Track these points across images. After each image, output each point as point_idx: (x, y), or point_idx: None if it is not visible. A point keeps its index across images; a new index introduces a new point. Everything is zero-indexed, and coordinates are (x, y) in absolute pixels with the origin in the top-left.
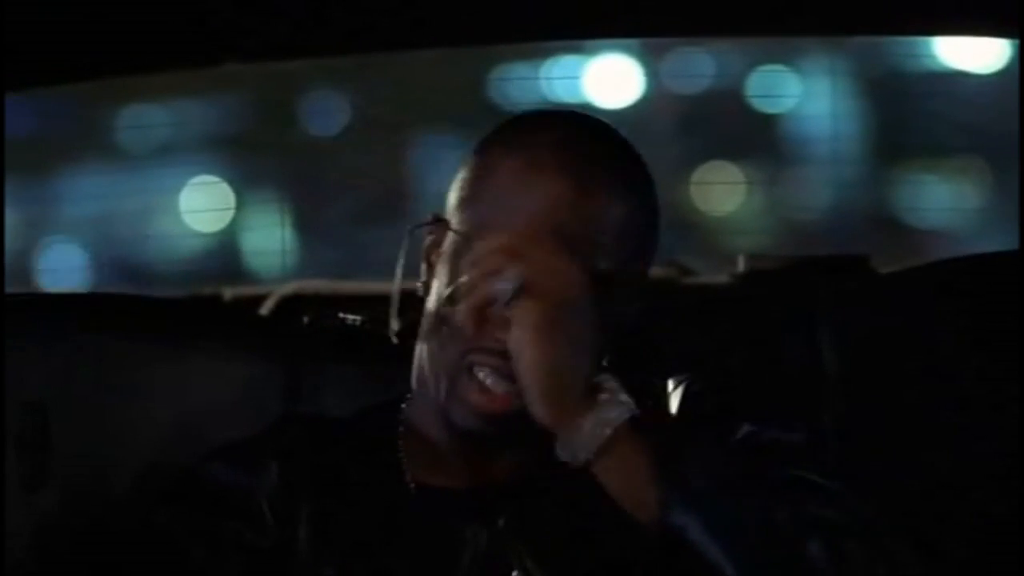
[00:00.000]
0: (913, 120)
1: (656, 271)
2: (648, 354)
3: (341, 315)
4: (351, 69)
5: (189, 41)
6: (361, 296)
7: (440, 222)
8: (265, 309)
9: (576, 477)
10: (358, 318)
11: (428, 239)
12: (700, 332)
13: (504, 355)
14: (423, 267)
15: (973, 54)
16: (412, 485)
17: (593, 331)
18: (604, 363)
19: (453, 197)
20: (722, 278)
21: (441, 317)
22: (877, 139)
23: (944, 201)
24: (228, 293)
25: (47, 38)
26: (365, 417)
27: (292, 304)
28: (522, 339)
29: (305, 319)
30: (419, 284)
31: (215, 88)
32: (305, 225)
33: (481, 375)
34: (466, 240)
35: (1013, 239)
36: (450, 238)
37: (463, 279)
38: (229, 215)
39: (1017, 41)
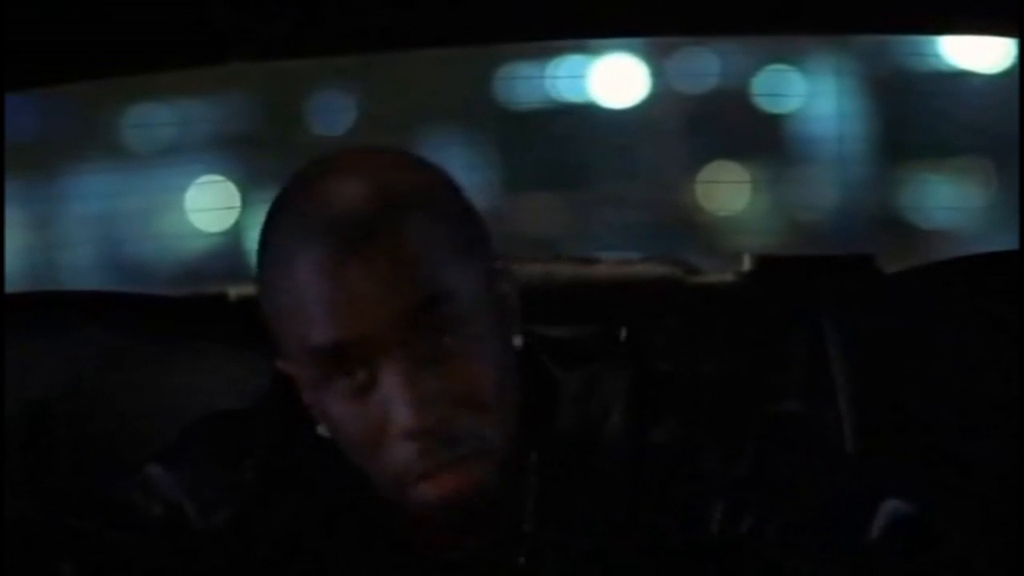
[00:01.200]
0: (918, 120)
1: (661, 270)
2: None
3: None
4: (357, 68)
5: (195, 40)
6: None
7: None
8: None
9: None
10: None
11: (296, 379)
12: (705, 331)
13: (430, 450)
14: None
15: (978, 54)
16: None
17: (481, 350)
18: (518, 344)
19: (269, 318)
20: (727, 277)
21: (353, 451)
22: (882, 139)
23: (949, 201)
24: (233, 292)
25: (52, 37)
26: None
27: None
28: (405, 404)
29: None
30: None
31: (221, 88)
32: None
33: (430, 475)
34: (306, 366)
35: (1018, 238)
36: (295, 371)
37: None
38: (235, 214)
39: (1017, 41)
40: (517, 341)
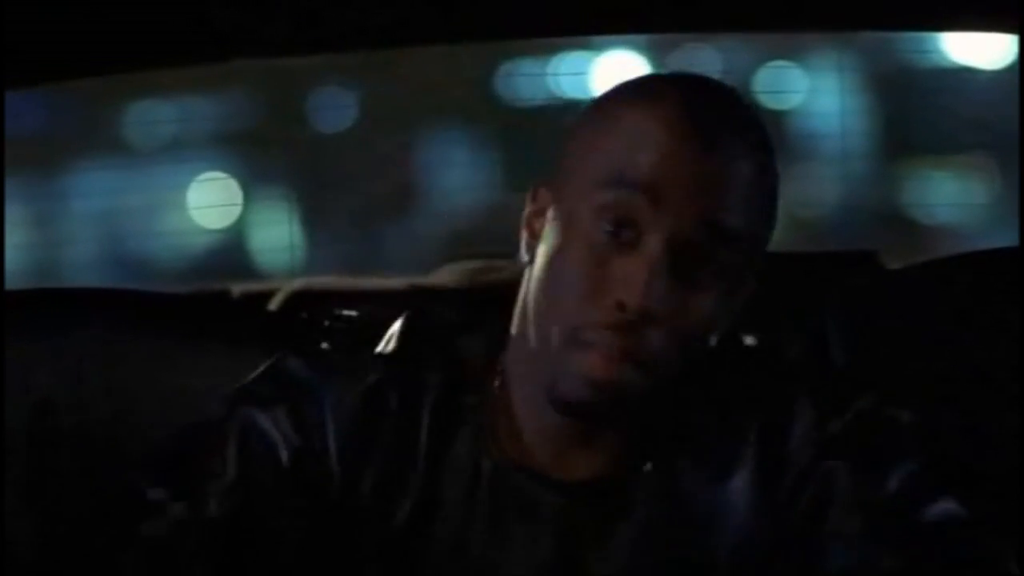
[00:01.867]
0: (921, 116)
1: None
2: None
3: (337, 311)
4: (358, 65)
5: (196, 37)
6: (369, 292)
7: (543, 189)
8: (273, 305)
9: (662, 480)
10: (354, 313)
11: (529, 207)
12: None
13: (619, 328)
14: (524, 236)
15: (981, 50)
16: (495, 459)
17: (720, 288)
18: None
19: (568, 156)
20: None
21: (546, 290)
22: (885, 135)
23: (952, 197)
24: (236, 289)
25: (54, 35)
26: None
27: (300, 300)
28: (637, 283)
29: (303, 315)
30: (522, 255)
31: (223, 84)
32: (313, 221)
33: (597, 344)
34: (585, 198)
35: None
36: (563, 199)
37: (577, 236)
38: (237, 211)
39: (1018, 37)
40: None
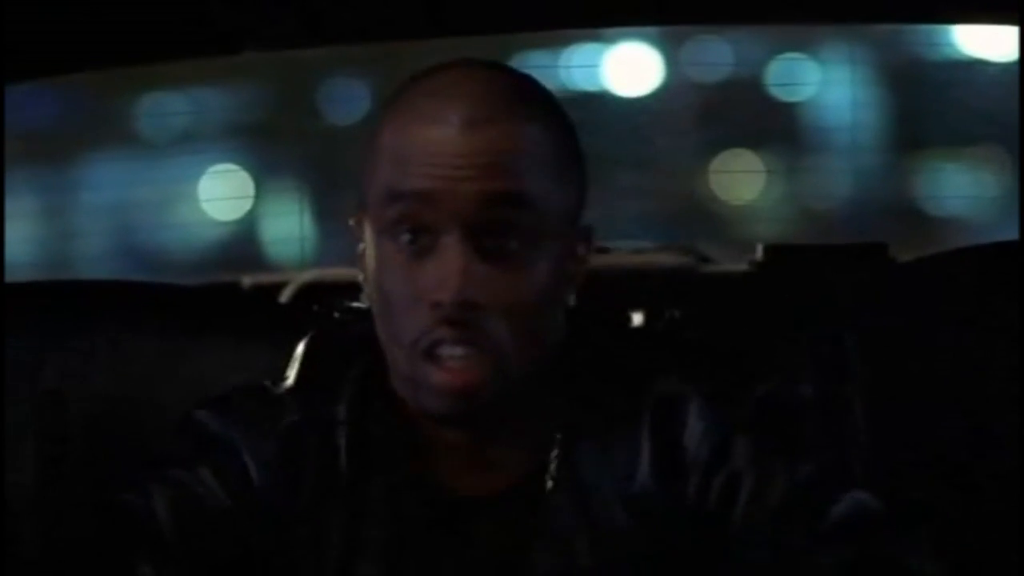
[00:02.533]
0: (933, 109)
1: (674, 259)
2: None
3: (348, 303)
4: (370, 58)
5: (207, 29)
6: None
7: (354, 221)
8: (284, 297)
9: (569, 484)
10: (364, 305)
11: (358, 245)
12: (717, 320)
13: (451, 322)
14: (360, 274)
15: (993, 43)
16: (411, 488)
17: (533, 258)
18: (570, 301)
19: (362, 181)
20: (741, 266)
21: (383, 311)
22: (896, 128)
23: (963, 189)
24: (247, 281)
25: (67, 26)
26: (358, 404)
27: (311, 292)
28: (446, 279)
29: (314, 307)
30: (361, 280)
31: (234, 77)
32: (324, 213)
33: (438, 352)
34: (378, 214)
35: None
36: (367, 223)
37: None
38: (248, 203)
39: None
40: (570, 299)
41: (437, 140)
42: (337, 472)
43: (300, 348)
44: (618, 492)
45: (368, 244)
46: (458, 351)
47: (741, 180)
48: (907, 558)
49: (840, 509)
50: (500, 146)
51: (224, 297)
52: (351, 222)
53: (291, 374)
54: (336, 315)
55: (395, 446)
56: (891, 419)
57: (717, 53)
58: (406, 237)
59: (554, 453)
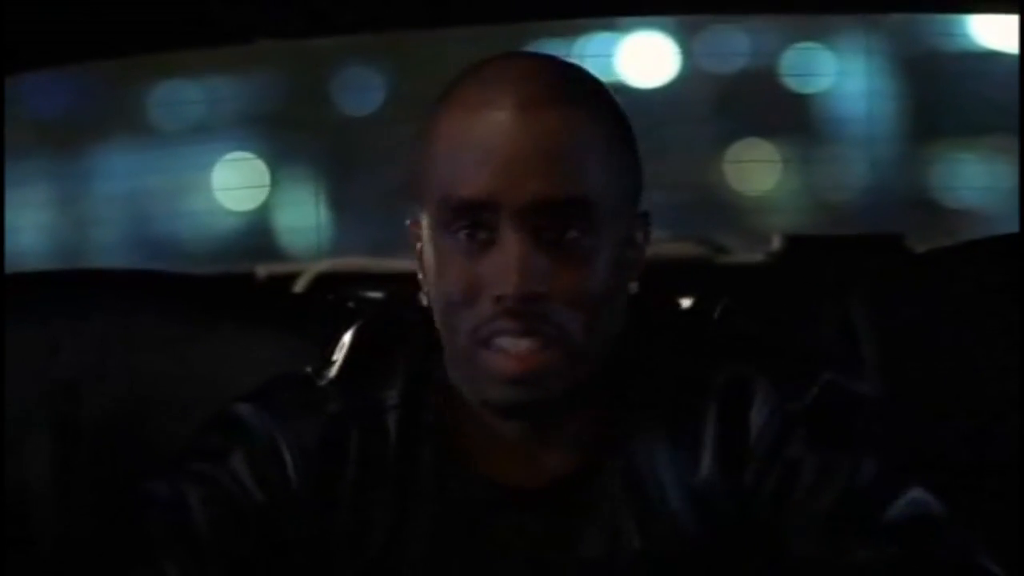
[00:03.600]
0: (949, 99)
1: (690, 249)
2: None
3: (363, 293)
4: (386, 47)
5: (222, 18)
6: (395, 274)
7: (411, 222)
8: (299, 287)
9: (628, 472)
10: (380, 295)
11: (414, 244)
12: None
13: (514, 314)
14: (419, 273)
15: (1009, 33)
16: (460, 477)
17: (593, 251)
18: (633, 289)
19: (413, 180)
20: (757, 257)
21: (443, 306)
22: (912, 118)
23: (979, 180)
24: (262, 271)
25: (82, 15)
26: (410, 393)
27: (326, 282)
28: (506, 274)
29: (329, 297)
30: (420, 279)
31: (249, 65)
32: (340, 202)
33: (499, 342)
34: (434, 215)
35: None
36: (424, 222)
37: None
38: (263, 193)
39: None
40: (633, 287)
41: (491, 128)
42: (385, 458)
43: (347, 336)
44: (678, 481)
45: (425, 242)
46: (523, 343)
47: (757, 171)
48: (972, 558)
49: (899, 507)
50: (555, 131)
51: (239, 287)
52: (407, 222)
53: (337, 361)
54: (351, 305)
55: (446, 434)
56: (907, 408)
57: (732, 42)
58: (464, 233)
59: (608, 446)
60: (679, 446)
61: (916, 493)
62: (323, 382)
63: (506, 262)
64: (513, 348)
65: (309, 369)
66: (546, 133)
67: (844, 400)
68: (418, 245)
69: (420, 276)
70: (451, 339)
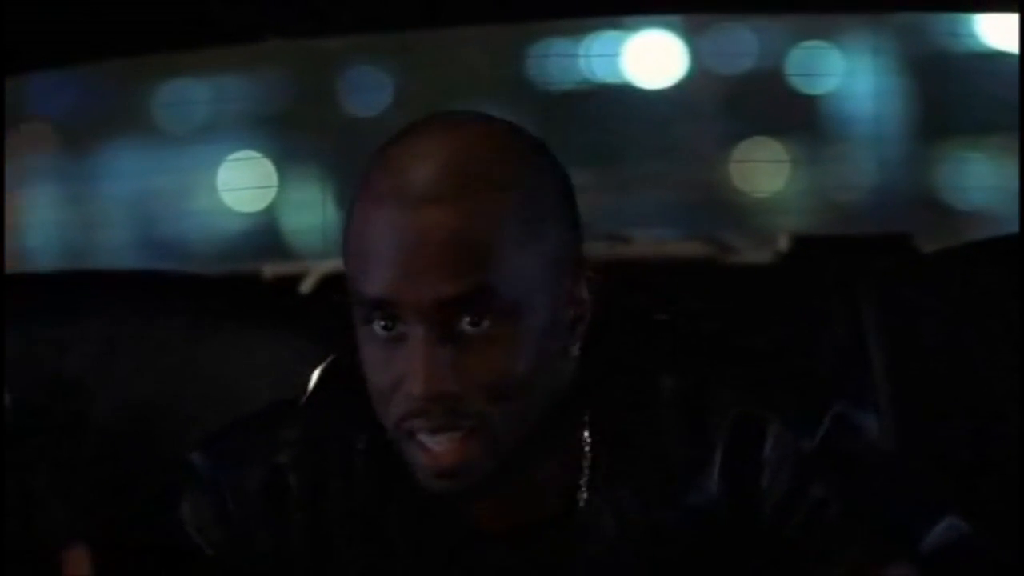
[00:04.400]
0: (957, 99)
1: (697, 249)
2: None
3: None
4: (393, 47)
5: (228, 17)
6: None
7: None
8: (306, 287)
9: (603, 507)
10: None
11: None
12: (741, 310)
13: (426, 413)
14: None
15: (1015, 32)
16: (432, 518)
17: (511, 328)
18: (574, 354)
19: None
20: (764, 257)
21: (372, 392)
22: (920, 118)
23: (987, 180)
24: (268, 271)
25: (88, 15)
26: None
27: (333, 282)
28: (416, 371)
29: (336, 297)
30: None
31: (256, 64)
32: (347, 203)
33: (420, 437)
34: (355, 304)
35: None
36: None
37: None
38: (271, 193)
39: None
40: (574, 349)
41: (388, 224)
42: (352, 500)
43: (316, 374)
44: (676, 519)
45: (357, 327)
46: (440, 439)
47: (764, 171)
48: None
49: (937, 536)
50: (450, 224)
51: (245, 286)
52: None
53: (304, 398)
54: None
55: (415, 480)
56: (914, 408)
57: (739, 41)
58: (380, 326)
59: (584, 480)
60: (678, 483)
61: (951, 520)
62: (283, 426)
63: (414, 360)
64: (432, 444)
65: (280, 402)
66: (447, 226)
67: (853, 433)
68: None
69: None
70: (385, 423)
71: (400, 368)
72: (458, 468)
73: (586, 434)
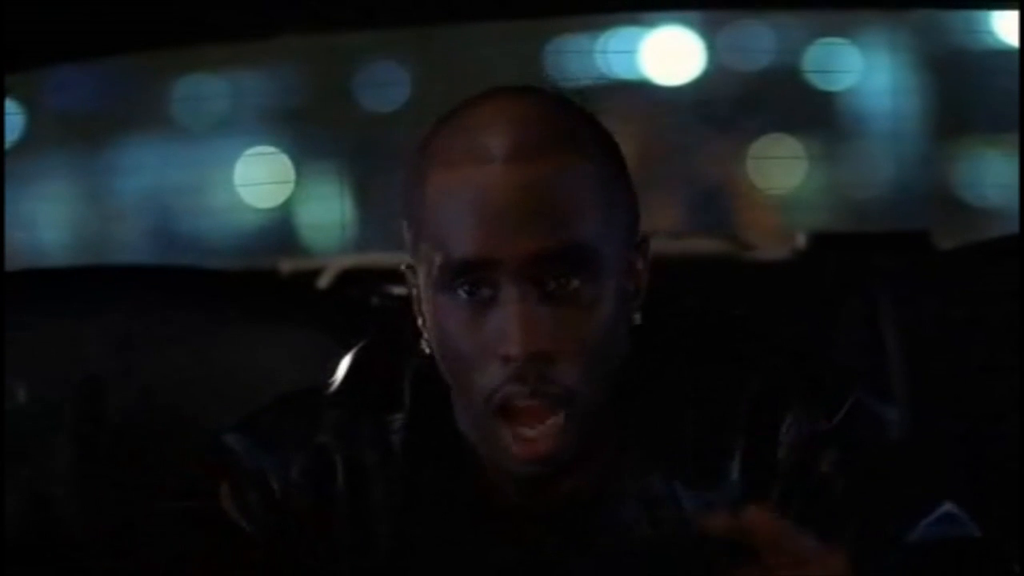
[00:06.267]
0: (974, 96)
1: (714, 245)
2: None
3: (386, 289)
4: (411, 42)
5: (246, 12)
6: None
7: (407, 270)
8: (323, 282)
9: (643, 495)
10: (403, 291)
11: (411, 292)
12: (757, 308)
13: (519, 378)
14: (419, 321)
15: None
16: (468, 498)
17: (595, 294)
18: (636, 320)
19: (407, 227)
20: (781, 254)
21: (451, 365)
22: (937, 115)
23: (1004, 177)
24: (286, 266)
25: (105, 9)
26: (419, 412)
27: (350, 278)
28: (511, 332)
29: (353, 293)
30: (420, 325)
31: (274, 60)
32: (365, 198)
33: (515, 404)
34: (431, 273)
35: None
36: (422, 277)
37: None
38: (289, 188)
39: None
40: (637, 318)
41: (481, 183)
42: (391, 481)
43: (348, 358)
44: (698, 500)
45: (423, 294)
46: (531, 400)
47: (781, 168)
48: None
49: (930, 523)
50: (548, 180)
51: (262, 282)
52: (402, 267)
53: (338, 382)
54: (374, 301)
55: (456, 457)
56: (930, 404)
57: (756, 37)
58: (464, 291)
59: (624, 469)
60: (701, 465)
61: (947, 508)
62: (320, 403)
63: (510, 320)
64: (529, 432)
65: (312, 387)
66: (539, 183)
67: (871, 420)
68: (414, 291)
69: (420, 322)
70: (464, 399)
71: (490, 332)
72: (551, 454)
73: (617, 415)
